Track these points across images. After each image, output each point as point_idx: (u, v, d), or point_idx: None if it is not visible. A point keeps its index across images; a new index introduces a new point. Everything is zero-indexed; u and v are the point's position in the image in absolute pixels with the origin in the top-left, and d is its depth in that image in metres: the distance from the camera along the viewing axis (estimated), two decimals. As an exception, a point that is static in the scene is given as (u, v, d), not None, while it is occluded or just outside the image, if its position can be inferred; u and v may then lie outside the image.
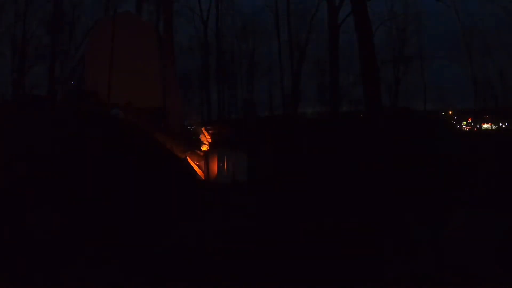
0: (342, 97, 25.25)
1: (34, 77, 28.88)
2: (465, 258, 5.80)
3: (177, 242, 6.79)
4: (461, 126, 36.57)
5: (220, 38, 29.89)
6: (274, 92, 31.48)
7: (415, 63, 31.47)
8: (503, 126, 33.70)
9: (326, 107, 25.88)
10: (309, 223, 7.86)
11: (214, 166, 14.67)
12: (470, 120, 38.28)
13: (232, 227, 7.71)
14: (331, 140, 14.67)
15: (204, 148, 14.98)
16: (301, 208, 9.22)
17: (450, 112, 37.35)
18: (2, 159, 9.43)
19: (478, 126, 35.35)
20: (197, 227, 7.71)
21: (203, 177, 14.34)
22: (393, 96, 30.45)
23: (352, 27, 18.45)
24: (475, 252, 5.91)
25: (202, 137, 15.24)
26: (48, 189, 8.58)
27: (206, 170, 14.46)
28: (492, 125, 35.33)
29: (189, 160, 14.69)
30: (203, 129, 15.11)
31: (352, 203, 9.13)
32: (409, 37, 31.80)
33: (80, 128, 12.44)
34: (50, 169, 9.65)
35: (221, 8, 29.90)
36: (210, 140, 14.83)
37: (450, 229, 7.12)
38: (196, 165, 14.68)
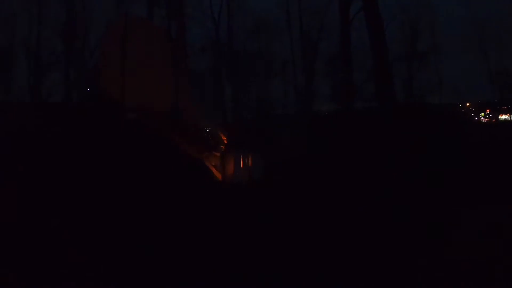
0: (355, 94, 25.03)
1: (50, 83, 29.33)
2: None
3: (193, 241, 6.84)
4: (479, 118, 36.04)
5: (231, 37, 29.91)
6: (287, 90, 31.44)
7: (430, 57, 31.02)
8: (522, 116, 33.16)
9: (339, 104, 25.69)
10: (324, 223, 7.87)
11: (230, 167, 14.73)
12: (488, 111, 37.70)
13: (247, 228, 7.70)
14: (347, 140, 14.61)
15: (221, 149, 15.06)
16: (317, 207, 9.21)
17: (468, 104, 36.84)
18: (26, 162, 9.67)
19: (496, 117, 34.79)
20: (214, 226, 7.73)
21: (219, 178, 14.42)
22: (408, 92, 30.04)
23: (364, 23, 18.29)
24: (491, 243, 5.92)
25: (218, 138, 15.33)
26: (67, 190, 8.74)
27: (223, 170, 14.54)
28: (511, 115, 34.75)
29: (206, 161, 14.80)
30: (218, 130, 15.19)
31: (366, 204, 9.05)
32: (422, 31, 31.37)
33: (97, 131, 12.65)
34: (68, 172, 9.84)
35: (232, 7, 29.94)
36: (226, 141, 14.90)
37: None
38: (213, 165, 14.77)
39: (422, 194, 9.53)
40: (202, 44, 30.67)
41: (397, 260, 5.93)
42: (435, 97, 31.28)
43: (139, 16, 23.20)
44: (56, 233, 6.63)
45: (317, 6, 29.40)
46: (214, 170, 14.81)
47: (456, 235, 6.73)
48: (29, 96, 28.22)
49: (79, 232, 6.76)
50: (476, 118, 34.61)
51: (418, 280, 5.35)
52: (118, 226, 7.28)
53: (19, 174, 9.16)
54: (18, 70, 28.97)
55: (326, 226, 7.64)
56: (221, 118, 26.47)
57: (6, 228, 6.53)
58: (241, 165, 14.79)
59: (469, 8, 29.53)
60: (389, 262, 5.86)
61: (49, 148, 10.86)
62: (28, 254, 5.86)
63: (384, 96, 16.49)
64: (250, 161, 14.69)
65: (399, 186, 10.42)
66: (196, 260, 5.99)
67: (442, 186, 9.94)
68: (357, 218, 7.94)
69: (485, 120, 34.93)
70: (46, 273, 5.37)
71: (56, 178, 9.47)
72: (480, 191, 9.23)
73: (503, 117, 34.78)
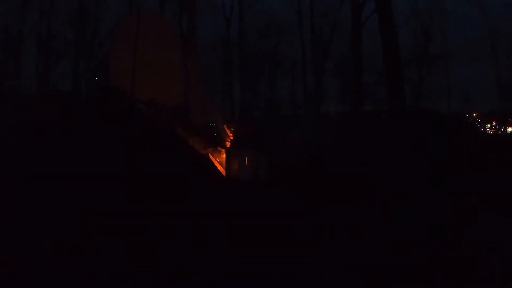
0: (365, 97, 24.92)
1: (59, 73, 29.42)
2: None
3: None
4: (485, 129, 35.72)
5: (242, 36, 29.87)
6: (296, 90, 31.41)
7: (440, 63, 30.85)
8: (530, 129, 32.86)
9: (349, 106, 25.54)
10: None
11: (235, 163, 14.69)
12: (494, 123, 37.37)
13: (250, 227, 7.61)
14: (354, 141, 14.54)
15: (226, 145, 15.02)
16: (320, 207, 9.15)
17: (475, 115, 36.53)
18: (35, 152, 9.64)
19: (502, 129, 34.47)
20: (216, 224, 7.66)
21: (224, 174, 14.39)
22: (417, 97, 29.87)
23: (376, 25, 18.19)
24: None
25: (224, 135, 15.29)
26: (69, 182, 8.69)
27: (227, 166, 14.50)
28: (520, 128, 34.40)
29: (211, 157, 14.76)
30: (225, 126, 15.16)
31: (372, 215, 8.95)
32: (433, 36, 31.20)
33: (105, 122, 12.64)
34: (72, 164, 9.82)
35: (244, 6, 29.94)
36: (232, 138, 14.86)
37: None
38: (217, 161, 14.74)
39: (422, 194, 9.57)
40: (213, 41, 30.73)
41: (398, 260, 5.90)
42: (443, 102, 31.05)
43: (151, 9, 23.25)
44: (56, 232, 6.57)
45: (329, 7, 29.37)
46: (218, 166, 14.78)
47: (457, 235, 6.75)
48: (37, 85, 28.31)
49: (79, 230, 6.69)
50: (482, 129, 34.36)
51: (419, 280, 5.31)
52: (120, 222, 7.23)
53: (20, 168, 9.09)
54: (27, 59, 29.08)
55: (329, 226, 7.58)
56: (228, 115, 26.47)
57: (6, 228, 6.49)
58: (246, 162, 14.74)
59: (483, 14, 29.15)
60: (390, 262, 5.82)
61: (56, 138, 10.82)
62: (28, 254, 5.83)
63: (395, 99, 16.36)
64: (255, 159, 14.65)
65: (401, 186, 10.41)
66: (196, 258, 5.94)
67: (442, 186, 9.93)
68: (359, 218, 7.88)
69: (491, 132, 34.67)
70: (46, 273, 5.33)
71: (59, 169, 9.44)
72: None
73: (510, 129, 34.48)
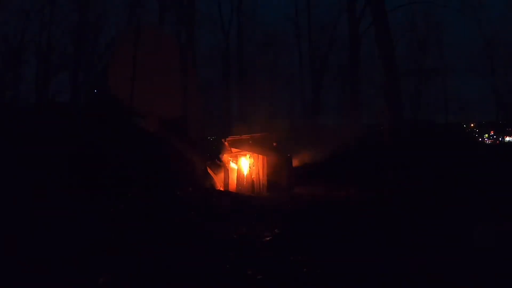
0: (362, 109, 25.08)
1: (58, 84, 29.62)
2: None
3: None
4: (483, 139, 35.87)
5: (241, 49, 30.04)
6: (294, 102, 31.59)
7: (437, 75, 31.06)
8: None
9: (346, 119, 25.68)
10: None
11: (233, 177, 14.71)
12: (492, 133, 37.54)
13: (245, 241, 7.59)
14: (353, 157, 14.62)
15: (224, 158, 15.04)
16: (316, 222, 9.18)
17: (472, 125, 36.71)
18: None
19: (500, 138, 34.61)
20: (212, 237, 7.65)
21: (222, 187, 14.39)
22: (415, 109, 30.05)
23: (373, 38, 18.38)
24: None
25: (222, 148, 15.32)
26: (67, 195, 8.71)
27: (226, 180, 14.51)
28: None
29: (209, 170, 14.77)
30: (223, 139, 15.19)
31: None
32: (430, 48, 31.48)
33: (103, 135, 12.69)
34: (71, 176, 9.85)
35: (243, 20, 30.16)
36: (230, 151, 14.89)
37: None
38: (215, 175, 14.75)
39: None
40: (211, 53, 30.93)
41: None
42: (440, 115, 31.27)
43: (150, 22, 23.42)
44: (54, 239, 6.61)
45: (327, 20, 29.68)
46: (216, 179, 14.80)
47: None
48: (36, 96, 28.46)
49: (77, 242, 6.72)
50: (480, 139, 34.57)
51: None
52: (116, 233, 7.22)
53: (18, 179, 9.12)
54: (27, 70, 29.29)
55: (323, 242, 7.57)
56: (226, 127, 26.51)
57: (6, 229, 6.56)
58: (245, 176, 14.77)
59: (478, 26, 29.52)
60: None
61: (52, 151, 10.85)
62: (27, 254, 5.87)
63: (392, 111, 16.49)
64: (254, 173, 14.68)
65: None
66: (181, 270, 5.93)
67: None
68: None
69: (489, 141, 34.85)
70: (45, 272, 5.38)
71: (59, 180, 9.48)
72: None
73: (507, 138, 34.68)
